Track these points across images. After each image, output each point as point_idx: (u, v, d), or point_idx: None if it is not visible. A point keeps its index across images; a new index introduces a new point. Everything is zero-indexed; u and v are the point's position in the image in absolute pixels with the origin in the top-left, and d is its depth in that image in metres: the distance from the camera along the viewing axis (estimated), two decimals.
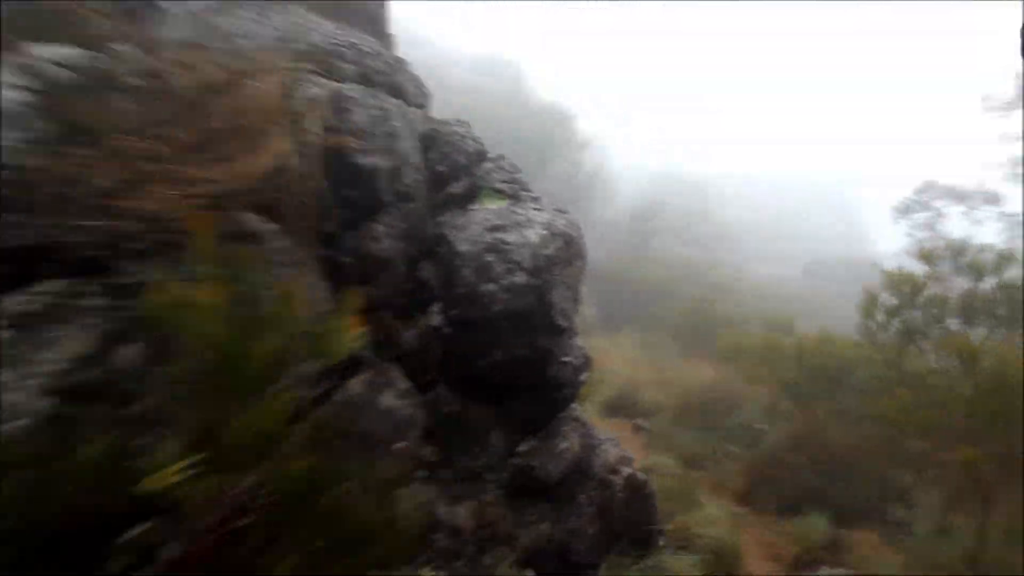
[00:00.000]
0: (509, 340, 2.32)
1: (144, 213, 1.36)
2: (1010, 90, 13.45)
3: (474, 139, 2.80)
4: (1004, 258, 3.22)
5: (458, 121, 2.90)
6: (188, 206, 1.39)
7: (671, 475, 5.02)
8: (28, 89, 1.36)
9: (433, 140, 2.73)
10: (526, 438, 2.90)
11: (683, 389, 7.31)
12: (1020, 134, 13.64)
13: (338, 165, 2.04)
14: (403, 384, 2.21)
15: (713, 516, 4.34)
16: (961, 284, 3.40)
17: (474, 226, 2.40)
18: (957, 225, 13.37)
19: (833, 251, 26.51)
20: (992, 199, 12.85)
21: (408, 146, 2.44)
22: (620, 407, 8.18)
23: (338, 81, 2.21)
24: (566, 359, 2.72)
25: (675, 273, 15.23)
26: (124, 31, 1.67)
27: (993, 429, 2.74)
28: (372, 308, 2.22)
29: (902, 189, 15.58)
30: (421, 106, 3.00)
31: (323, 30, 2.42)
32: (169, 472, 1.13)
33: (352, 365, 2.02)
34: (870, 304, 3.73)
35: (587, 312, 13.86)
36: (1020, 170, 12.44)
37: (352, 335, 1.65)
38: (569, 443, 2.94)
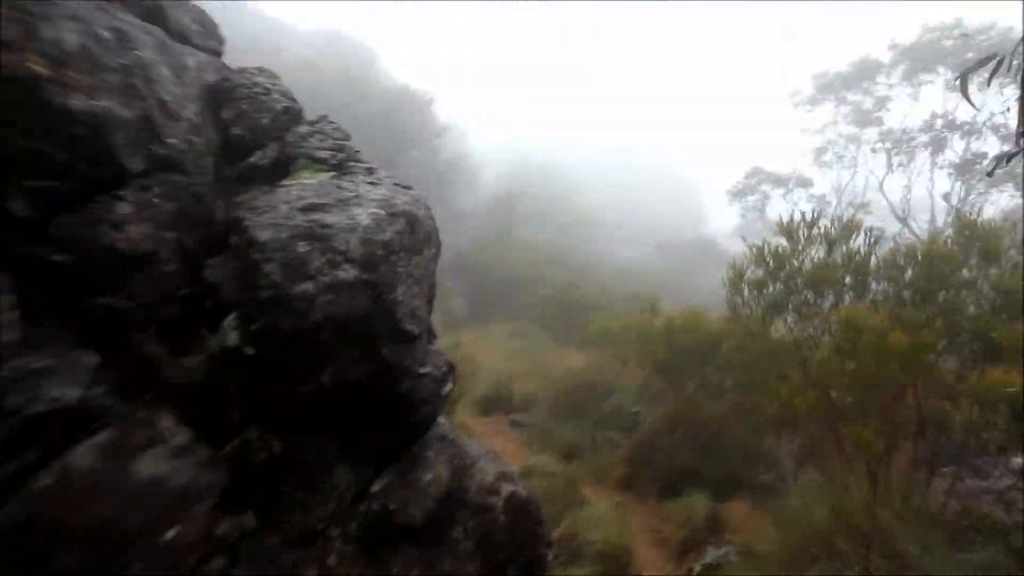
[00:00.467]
0: (340, 356, 1.73)
1: None
2: (811, 89, 15.50)
3: (284, 94, 2.12)
4: (850, 228, 3.29)
5: (262, 70, 2.20)
6: None
7: (552, 474, 4.72)
8: None
9: (225, 94, 2.01)
10: (381, 473, 2.32)
11: (557, 378, 7.13)
12: (819, 128, 15.84)
13: (33, 108, 1.29)
14: (181, 437, 1.51)
15: (599, 514, 4.09)
16: (814, 256, 3.43)
17: (283, 206, 1.75)
18: (779, 206, 15.10)
19: (679, 231, 28.75)
20: (805, 182, 14.71)
21: (175, 94, 1.71)
22: (495, 403, 7.85)
23: None
24: (423, 370, 2.18)
25: (539, 259, 15.32)
26: None
27: (876, 402, 2.75)
28: (118, 328, 1.49)
29: (730, 170, 17.22)
30: (217, 53, 2.24)
31: None
32: None
33: (79, 422, 1.30)
34: (736, 279, 3.68)
35: (455, 305, 13.41)
36: (824, 158, 14.46)
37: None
38: (435, 471, 2.40)
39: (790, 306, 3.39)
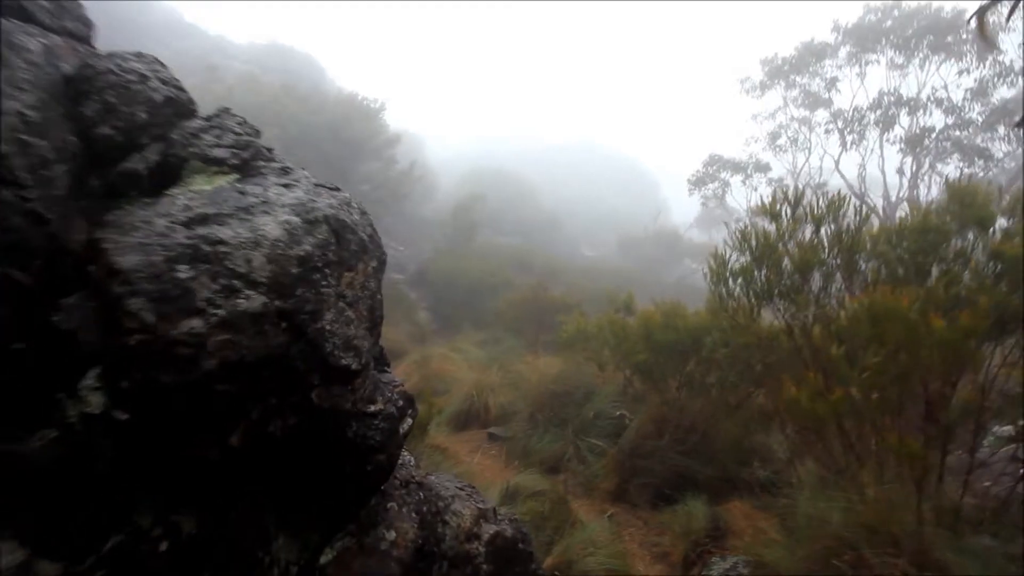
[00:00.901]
0: (251, 409, 1.32)
1: None
2: (760, 74, 15.65)
3: (167, 82, 1.69)
4: (836, 204, 3.04)
5: (140, 55, 1.76)
6: None
7: (539, 493, 4.35)
8: None
9: (89, 85, 1.58)
10: (332, 538, 1.91)
11: (532, 386, 6.77)
12: (771, 112, 16.02)
13: None
14: (11, 557, 1.08)
15: (594, 535, 3.74)
16: (800, 238, 3.17)
17: (160, 221, 1.33)
18: (739, 193, 15.19)
19: (639, 225, 28.82)
20: (763, 167, 14.81)
21: None
22: (471, 417, 7.45)
23: None
24: (373, 408, 1.79)
25: (502, 263, 14.97)
26: None
27: (908, 397, 2.48)
28: None
29: (688, 160, 17.27)
30: (79, 37, 1.80)
31: None
32: None
33: None
34: (719, 269, 3.39)
35: (421, 319, 12.93)
36: (778, 142, 14.59)
37: None
38: (399, 527, 2.01)
39: (777, 293, 3.11)
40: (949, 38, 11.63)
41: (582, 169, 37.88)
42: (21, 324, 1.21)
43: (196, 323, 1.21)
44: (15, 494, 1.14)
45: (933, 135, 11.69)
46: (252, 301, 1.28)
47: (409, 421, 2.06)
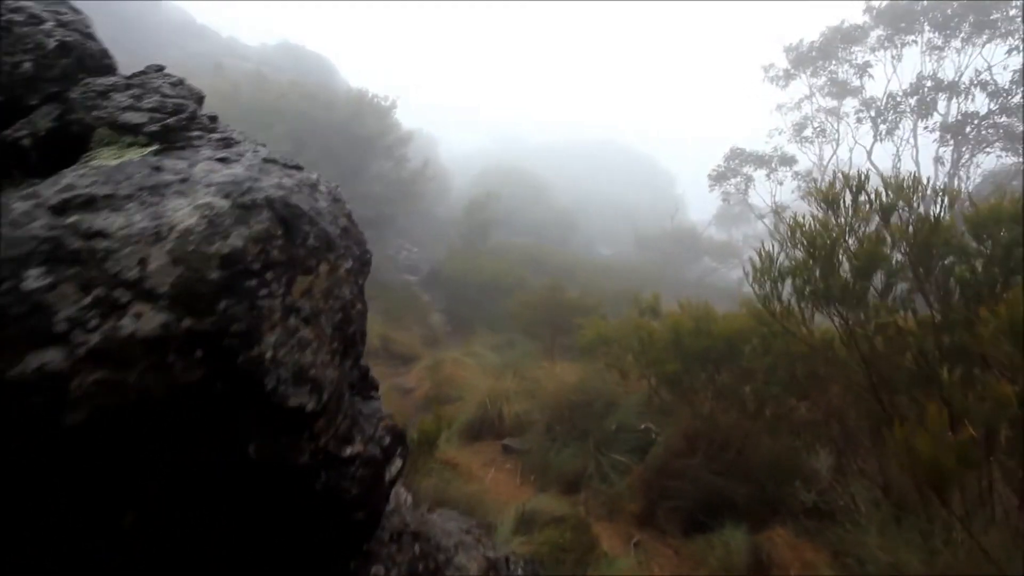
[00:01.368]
0: (146, 480, 0.92)
1: None
2: (785, 62, 14.99)
3: (68, 25, 1.29)
4: (908, 190, 2.56)
5: None
6: None
7: (559, 520, 3.92)
8: None
9: None
10: None
11: (550, 394, 6.33)
12: (796, 103, 15.32)
13: None
14: None
15: (624, 569, 3.30)
16: (863, 230, 2.69)
17: (19, 206, 0.93)
18: (763, 188, 14.55)
19: (657, 223, 28.15)
20: (788, 161, 14.14)
21: None
22: (485, 427, 7.02)
23: None
24: (350, 452, 1.38)
25: (517, 263, 14.54)
26: None
27: None
28: None
29: (709, 156, 16.60)
30: None
31: None
32: None
33: None
34: (765, 267, 2.93)
35: (433, 321, 12.57)
36: (804, 133, 13.90)
37: None
38: None
39: (837, 294, 2.64)
40: (995, 14, 10.86)
41: (598, 166, 37.31)
42: None
43: (52, 356, 0.81)
44: None
45: (976, 121, 10.94)
46: (146, 321, 0.87)
47: (399, 463, 1.64)
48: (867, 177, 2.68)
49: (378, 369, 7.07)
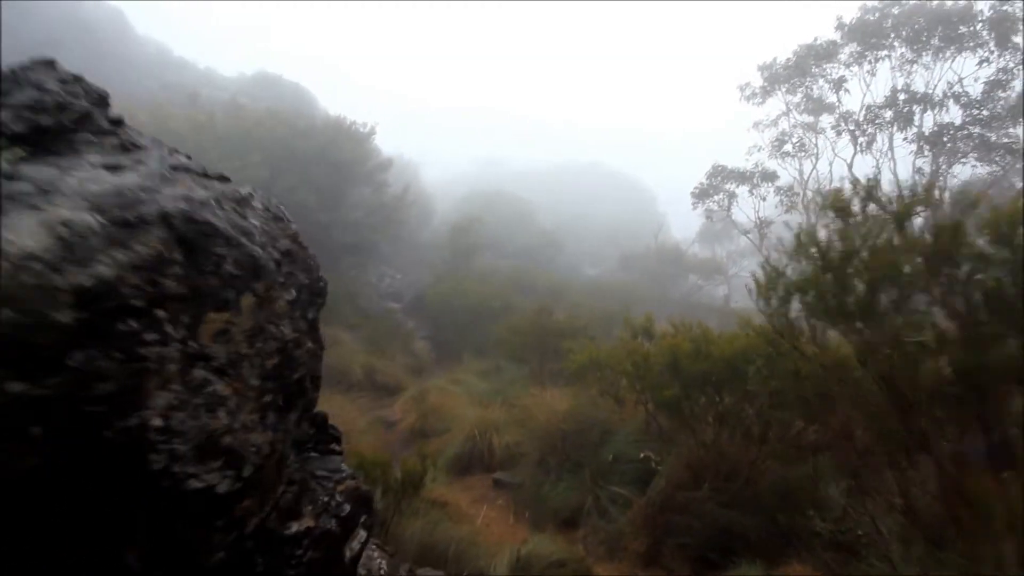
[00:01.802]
0: None
1: None
2: (760, 80, 15.13)
3: None
4: (925, 195, 2.36)
5: None
6: None
7: (559, 564, 3.59)
8: None
9: None
10: None
11: (541, 424, 6.01)
12: (772, 120, 15.42)
13: None
14: None
15: None
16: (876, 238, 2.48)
17: None
18: (745, 204, 14.53)
19: (640, 243, 28.15)
20: (769, 176, 14.16)
21: None
22: (474, 460, 6.67)
23: None
24: (295, 529, 1.10)
25: (503, 286, 14.28)
26: None
27: None
28: None
29: (690, 174, 16.60)
30: None
31: None
32: None
33: None
34: (771, 281, 2.70)
35: (418, 349, 12.21)
36: (784, 149, 13.97)
37: None
38: None
39: (854, 309, 2.41)
40: (962, 28, 11.05)
41: (581, 188, 37.50)
42: None
43: None
44: None
45: (952, 132, 11.00)
46: None
47: (362, 535, 1.35)
48: (877, 183, 2.49)
49: (361, 402, 6.67)
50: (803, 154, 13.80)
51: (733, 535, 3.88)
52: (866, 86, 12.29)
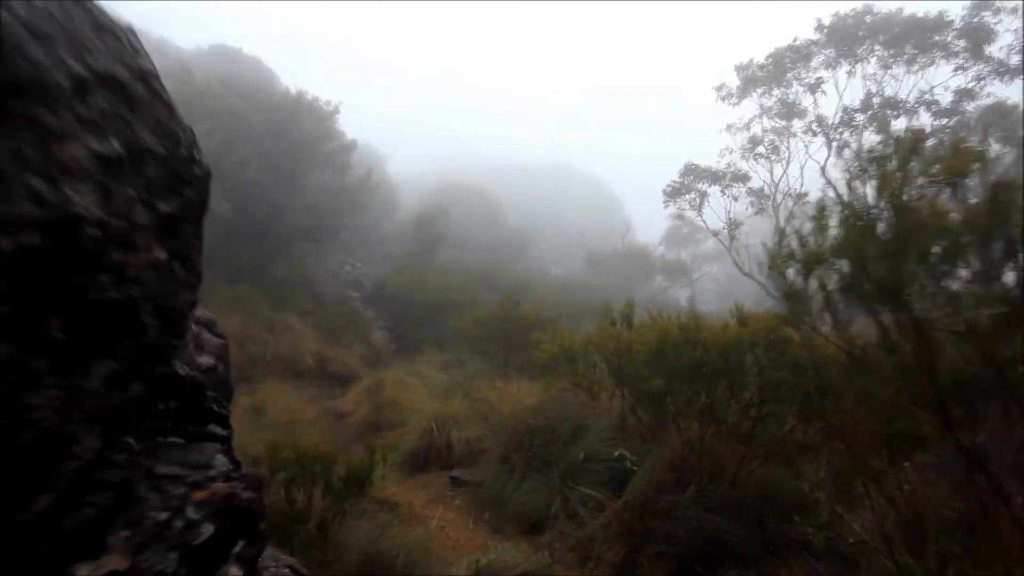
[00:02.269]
0: None
1: None
2: (737, 81, 15.08)
3: None
4: (972, 151, 2.01)
5: None
6: None
7: None
8: None
9: None
10: None
11: (505, 419, 5.55)
12: (745, 123, 15.44)
13: None
14: None
15: None
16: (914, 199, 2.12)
17: None
18: (716, 204, 14.43)
19: (607, 244, 28.11)
20: (741, 177, 14.10)
21: None
22: (431, 456, 6.15)
23: None
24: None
25: (467, 280, 13.76)
26: None
27: None
28: None
29: (661, 174, 16.45)
30: None
31: None
32: None
33: None
34: (784, 255, 2.29)
35: (376, 339, 11.57)
36: (757, 150, 13.93)
37: None
38: None
39: (895, 284, 2.03)
40: (935, 37, 11.21)
41: (549, 188, 37.28)
42: None
43: None
44: None
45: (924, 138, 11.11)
46: None
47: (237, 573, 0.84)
48: (923, 135, 2.12)
49: (310, 391, 5.93)
50: (775, 157, 13.82)
51: (717, 543, 3.49)
52: (841, 90, 12.35)
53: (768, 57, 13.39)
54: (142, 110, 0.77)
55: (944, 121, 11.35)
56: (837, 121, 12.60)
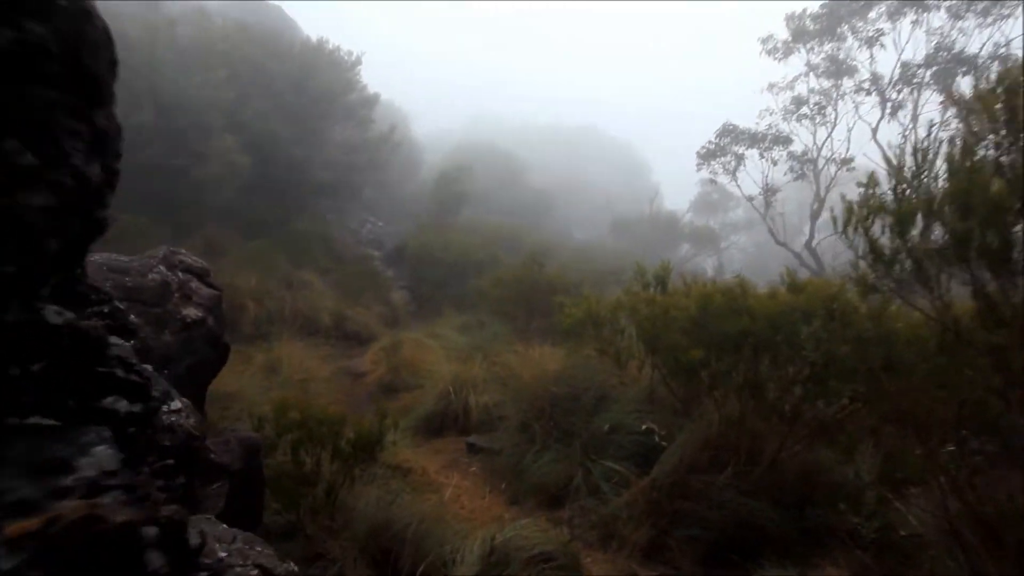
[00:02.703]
0: None
1: None
2: (786, 34, 13.99)
3: None
4: None
5: None
6: None
7: (547, 559, 2.87)
8: None
9: None
10: None
11: (525, 384, 5.28)
12: (789, 82, 14.41)
13: None
14: None
15: None
16: None
17: None
18: (753, 169, 13.65)
19: (632, 209, 27.34)
20: (783, 140, 13.22)
21: None
22: (447, 421, 5.95)
23: None
24: None
25: (490, 240, 13.41)
26: None
27: None
28: None
29: (692, 140, 15.65)
30: None
31: None
32: None
33: None
34: (871, 207, 1.88)
35: (396, 298, 11.38)
36: (801, 110, 13.00)
37: None
38: None
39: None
40: None
41: (575, 151, 36.24)
42: None
43: None
44: None
45: None
46: None
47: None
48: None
49: (327, 350, 5.63)
50: (820, 119, 12.91)
51: (754, 529, 3.20)
52: (903, 44, 11.21)
53: (823, 6, 12.28)
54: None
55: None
56: (896, 77, 11.58)
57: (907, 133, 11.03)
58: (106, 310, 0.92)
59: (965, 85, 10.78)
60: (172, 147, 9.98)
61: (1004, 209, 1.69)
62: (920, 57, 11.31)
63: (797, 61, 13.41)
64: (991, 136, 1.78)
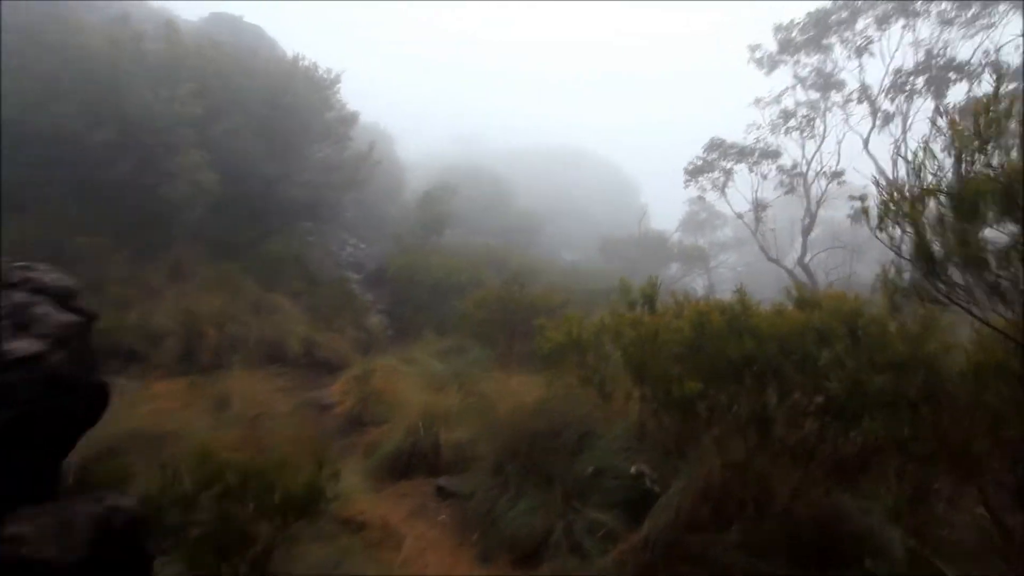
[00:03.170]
0: None
1: None
2: (774, 45, 13.78)
3: None
4: None
5: None
6: None
7: None
8: None
9: None
10: None
11: (502, 417, 4.73)
12: (776, 96, 14.21)
13: None
14: None
15: None
16: None
17: None
18: (742, 184, 13.33)
19: (620, 230, 27.06)
20: (771, 154, 12.95)
21: None
22: (415, 459, 5.34)
23: None
24: None
25: (474, 262, 12.91)
26: None
27: None
28: None
29: (665, 165, 15.31)
30: None
31: None
32: None
33: None
34: (931, 183, 1.41)
35: (372, 323, 10.80)
36: (789, 123, 12.76)
37: None
38: None
39: None
40: None
41: (562, 172, 36.15)
42: None
43: None
44: None
45: None
46: None
47: None
48: None
49: (293, 380, 4.82)
50: (809, 131, 12.64)
51: None
52: (892, 51, 11.00)
53: (809, 15, 12.08)
54: None
55: (1015, 85, 10.12)
56: (887, 85, 11.36)
57: (904, 139, 10.73)
58: None
59: (957, 93, 10.62)
60: (138, 164, 9.47)
61: None
62: (910, 65, 11.15)
63: (785, 73, 13.25)
64: None
